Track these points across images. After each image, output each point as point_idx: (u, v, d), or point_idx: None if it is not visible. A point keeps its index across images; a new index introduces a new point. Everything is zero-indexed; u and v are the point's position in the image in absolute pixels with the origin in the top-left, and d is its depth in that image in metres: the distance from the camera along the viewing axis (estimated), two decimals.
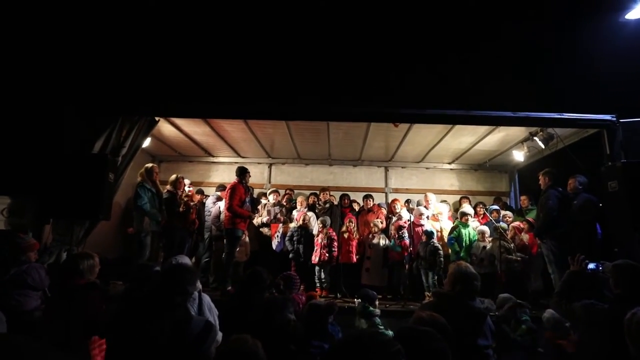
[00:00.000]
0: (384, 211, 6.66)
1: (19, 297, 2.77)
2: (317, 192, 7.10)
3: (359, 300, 3.93)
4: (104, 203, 4.45)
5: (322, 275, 5.80)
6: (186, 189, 6.23)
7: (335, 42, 4.64)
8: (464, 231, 5.96)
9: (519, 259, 5.36)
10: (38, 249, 3.65)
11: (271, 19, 4.77)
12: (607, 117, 4.54)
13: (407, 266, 5.77)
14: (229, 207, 5.40)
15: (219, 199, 6.33)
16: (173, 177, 5.95)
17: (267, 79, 4.65)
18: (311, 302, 2.89)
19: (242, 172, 5.67)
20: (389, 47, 4.62)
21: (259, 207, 6.60)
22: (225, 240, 5.57)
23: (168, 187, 5.86)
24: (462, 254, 5.79)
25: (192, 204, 5.93)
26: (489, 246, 5.67)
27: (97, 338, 2.68)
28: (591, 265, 2.93)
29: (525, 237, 5.66)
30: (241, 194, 5.47)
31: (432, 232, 5.82)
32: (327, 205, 6.63)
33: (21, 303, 2.75)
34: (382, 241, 6.00)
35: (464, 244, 5.89)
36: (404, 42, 4.64)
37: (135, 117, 4.92)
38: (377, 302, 3.95)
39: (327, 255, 5.74)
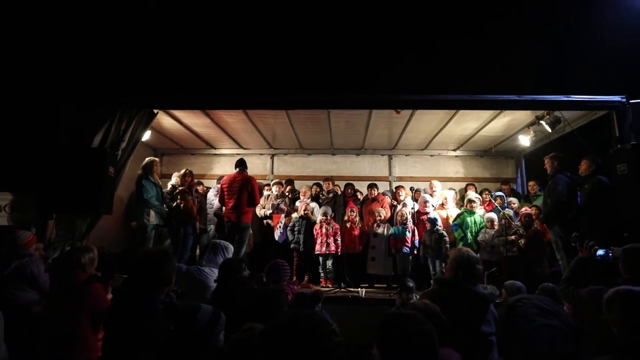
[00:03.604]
0: (389, 200, 6.59)
1: (16, 291, 2.77)
2: (321, 182, 7.04)
3: (398, 290, 3.89)
4: (105, 197, 4.46)
5: (327, 266, 5.78)
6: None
7: (333, 27, 4.52)
8: (469, 219, 5.87)
9: (516, 240, 5.24)
10: (40, 243, 3.68)
11: (267, 7, 4.67)
12: (617, 98, 4.38)
13: (415, 252, 5.73)
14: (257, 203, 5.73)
15: None
16: (182, 171, 5.92)
17: (263, 68, 4.56)
18: (297, 292, 2.87)
19: (245, 163, 5.58)
20: (388, 31, 4.49)
21: (262, 199, 6.57)
22: (237, 233, 5.38)
23: (173, 181, 5.83)
24: (469, 241, 5.71)
25: (189, 197, 5.82)
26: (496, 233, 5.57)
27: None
28: (600, 252, 2.86)
29: (536, 223, 5.54)
30: None
31: (435, 219, 5.75)
32: (331, 195, 6.58)
33: (18, 297, 2.76)
34: (387, 230, 5.94)
35: (469, 232, 5.81)
36: (404, 25, 4.51)
37: (133, 109, 4.87)
38: (414, 294, 3.88)
39: (327, 244, 5.70)
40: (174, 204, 5.54)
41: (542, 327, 2.54)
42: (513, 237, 5.24)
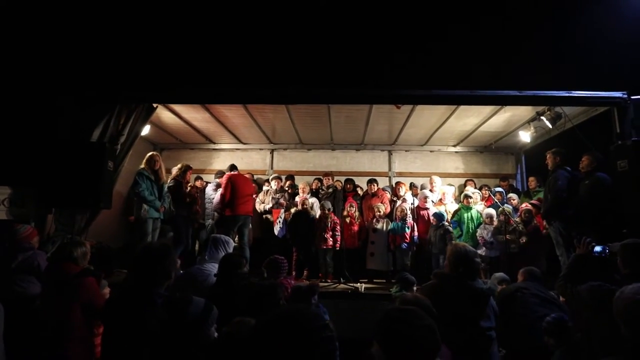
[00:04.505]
0: (388, 195, 6.59)
1: (22, 282, 2.78)
2: (321, 177, 7.04)
3: (396, 284, 3.88)
4: (104, 191, 4.45)
5: (327, 260, 5.80)
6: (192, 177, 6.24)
7: (333, 22, 4.49)
8: (465, 214, 5.87)
9: (516, 239, 5.25)
10: (40, 238, 3.67)
11: (267, 2, 4.63)
12: (618, 94, 4.38)
13: (414, 247, 5.73)
14: None
15: (219, 186, 6.29)
16: (180, 166, 5.88)
17: (264, 63, 4.53)
18: (294, 285, 2.89)
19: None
20: (389, 26, 4.46)
21: (261, 194, 6.59)
22: (244, 226, 5.70)
23: (173, 173, 5.81)
24: (463, 238, 5.71)
25: (196, 193, 5.90)
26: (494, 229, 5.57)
27: (98, 327, 2.70)
28: (597, 248, 2.85)
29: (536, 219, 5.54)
30: None
31: (442, 215, 5.72)
32: (331, 190, 6.58)
33: (26, 289, 2.77)
34: (386, 225, 5.94)
35: (465, 228, 5.81)
36: (405, 19, 4.48)
37: (132, 104, 4.85)
38: (415, 288, 3.89)
39: (325, 239, 5.71)
40: (188, 200, 5.66)
41: (544, 317, 2.55)
42: (509, 236, 5.23)
